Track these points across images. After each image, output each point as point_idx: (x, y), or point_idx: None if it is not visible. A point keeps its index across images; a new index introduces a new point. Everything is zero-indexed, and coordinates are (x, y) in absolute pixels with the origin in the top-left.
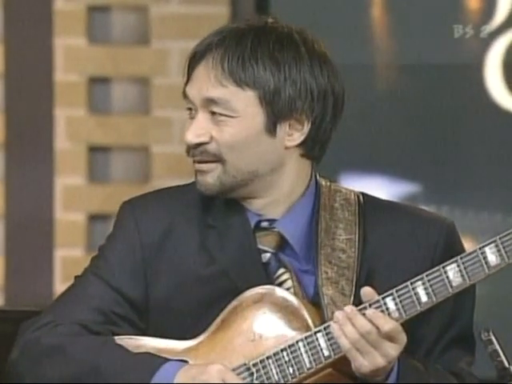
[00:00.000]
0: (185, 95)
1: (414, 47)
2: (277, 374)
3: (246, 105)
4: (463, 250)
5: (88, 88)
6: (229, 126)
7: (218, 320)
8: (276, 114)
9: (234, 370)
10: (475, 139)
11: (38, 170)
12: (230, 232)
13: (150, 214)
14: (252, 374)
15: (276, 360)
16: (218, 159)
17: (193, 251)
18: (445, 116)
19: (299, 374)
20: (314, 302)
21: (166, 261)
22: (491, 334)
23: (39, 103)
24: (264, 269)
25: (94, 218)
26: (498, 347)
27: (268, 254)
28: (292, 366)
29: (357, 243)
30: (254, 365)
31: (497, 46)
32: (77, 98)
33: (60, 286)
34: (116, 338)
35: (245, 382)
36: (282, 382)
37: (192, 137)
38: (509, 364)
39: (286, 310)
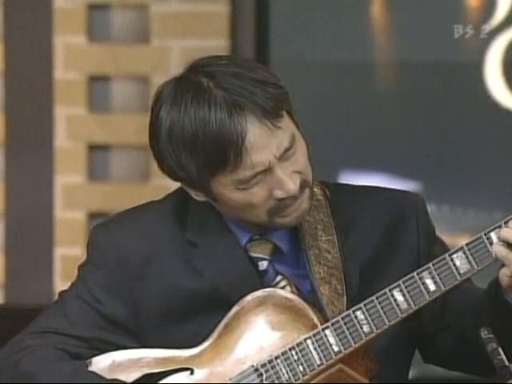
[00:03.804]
0: (251, 175)
1: (414, 46)
2: (287, 373)
3: (291, 125)
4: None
5: (88, 86)
6: (298, 150)
7: (220, 326)
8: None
9: (241, 373)
10: (475, 138)
11: (37, 169)
12: (216, 249)
13: (130, 239)
14: (261, 374)
15: (285, 359)
16: (307, 186)
17: (178, 268)
18: (445, 115)
19: (310, 371)
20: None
21: (151, 281)
22: (491, 332)
23: (39, 102)
24: (260, 278)
25: (94, 217)
26: (498, 345)
27: (265, 262)
28: (302, 363)
29: (337, 243)
30: (263, 366)
31: (497, 45)
32: (77, 97)
33: (60, 285)
34: (117, 352)
35: (254, 383)
36: (293, 380)
37: (294, 186)
38: (509, 362)
39: (289, 311)
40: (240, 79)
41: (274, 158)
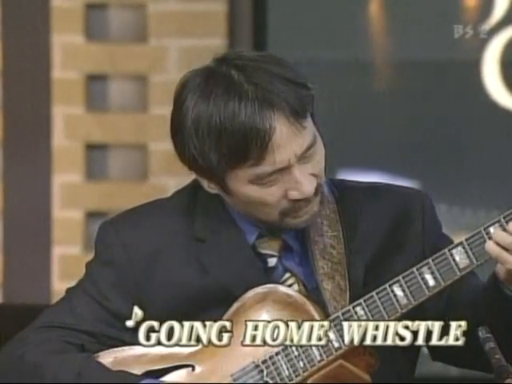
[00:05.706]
0: (270, 171)
1: (412, 45)
2: (287, 369)
3: (313, 127)
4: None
5: (86, 85)
6: (317, 153)
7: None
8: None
9: (242, 369)
10: (473, 136)
11: (35, 168)
12: (224, 246)
13: (137, 236)
14: (262, 371)
15: (285, 355)
16: (321, 190)
17: (185, 265)
18: (443, 114)
19: (310, 366)
20: (314, 297)
21: (158, 278)
22: (489, 331)
23: (37, 101)
24: (269, 275)
25: (92, 216)
26: (495, 345)
27: (274, 259)
28: (302, 359)
29: (342, 239)
30: (263, 362)
31: (494, 45)
32: (74, 96)
33: (58, 284)
34: (119, 348)
35: (255, 380)
36: (293, 376)
37: (311, 188)
38: (506, 361)
39: (290, 307)
40: (270, 76)
41: (294, 157)
